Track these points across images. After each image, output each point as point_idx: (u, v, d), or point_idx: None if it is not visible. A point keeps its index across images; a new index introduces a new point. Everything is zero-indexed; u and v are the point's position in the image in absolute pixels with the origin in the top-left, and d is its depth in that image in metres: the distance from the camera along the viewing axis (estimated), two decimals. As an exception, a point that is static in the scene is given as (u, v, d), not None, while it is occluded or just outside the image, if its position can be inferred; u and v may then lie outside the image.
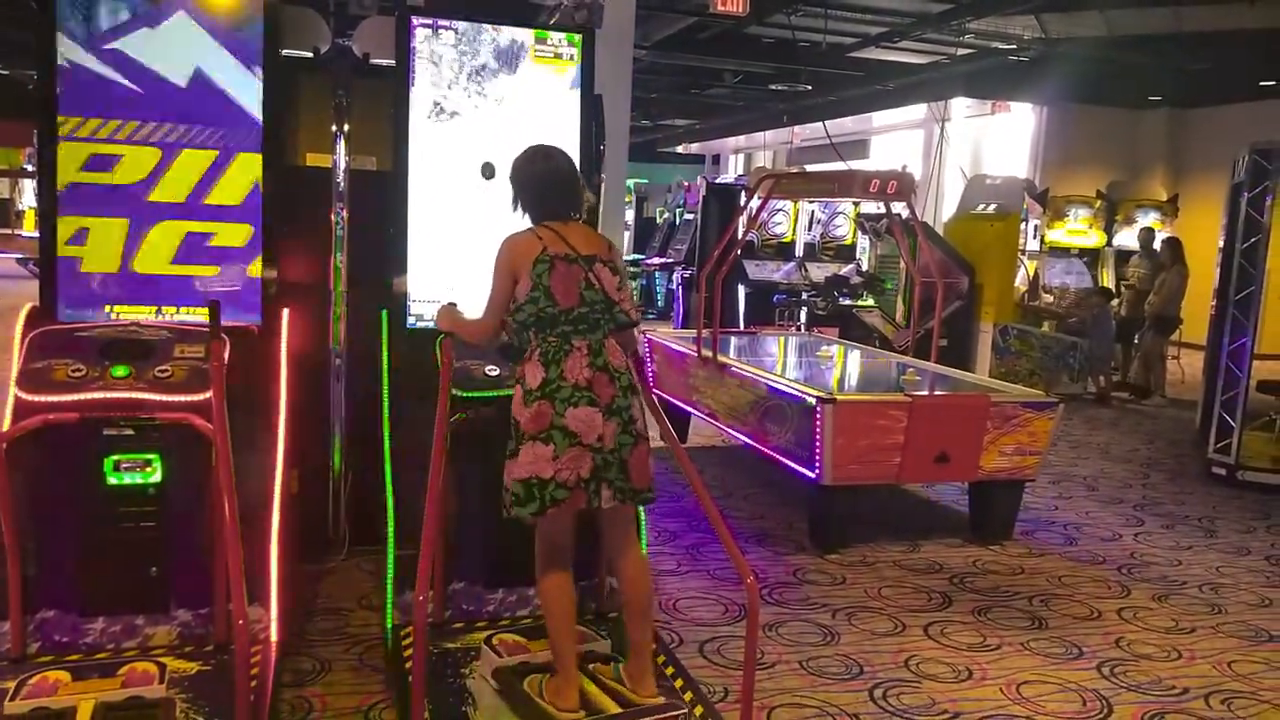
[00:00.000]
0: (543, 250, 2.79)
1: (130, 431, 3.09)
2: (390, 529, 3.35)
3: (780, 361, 6.86)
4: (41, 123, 3.42)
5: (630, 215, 18.21)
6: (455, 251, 3.81)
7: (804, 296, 10.78)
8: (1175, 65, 12.78)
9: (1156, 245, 10.53)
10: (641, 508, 3.37)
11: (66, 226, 3.41)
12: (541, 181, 2.91)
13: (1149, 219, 12.32)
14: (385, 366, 3.66)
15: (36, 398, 3.03)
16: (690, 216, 14.47)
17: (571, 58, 3.97)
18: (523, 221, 2.94)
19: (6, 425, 3.02)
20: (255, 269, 3.60)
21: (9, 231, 19.09)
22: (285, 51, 3.96)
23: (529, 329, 2.81)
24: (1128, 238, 12.50)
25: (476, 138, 3.86)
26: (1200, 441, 7.16)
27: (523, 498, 2.72)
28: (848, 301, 10.74)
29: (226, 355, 2.87)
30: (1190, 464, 7.21)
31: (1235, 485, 6.53)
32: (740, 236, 6.87)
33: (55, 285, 3.40)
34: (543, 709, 2.81)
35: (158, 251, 3.51)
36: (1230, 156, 7.28)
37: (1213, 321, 7.14)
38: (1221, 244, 7.16)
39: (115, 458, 3.08)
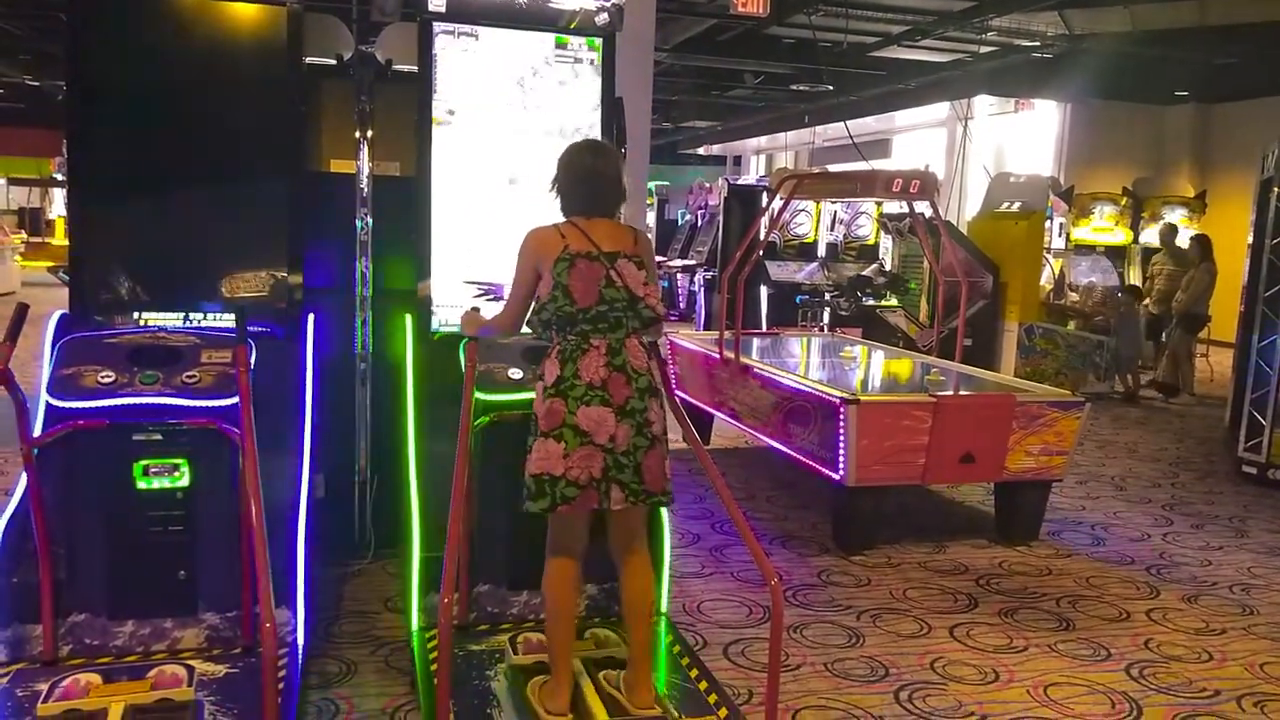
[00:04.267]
0: (564, 248, 2.78)
1: (159, 436, 3.13)
2: (415, 532, 3.37)
3: (803, 362, 6.84)
4: (71, 132, 3.47)
5: (651, 218, 18.22)
6: (479, 256, 3.82)
7: (827, 297, 10.76)
8: (1201, 59, 12.65)
9: (1181, 241, 10.42)
10: (664, 512, 3.38)
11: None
12: (580, 175, 2.89)
13: (1176, 215, 12.19)
14: (410, 370, 3.68)
15: (67, 404, 3.06)
16: (712, 217, 14.48)
17: (592, 62, 3.98)
18: (552, 207, 2.94)
19: (38, 431, 3.07)
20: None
21: (40, 240, 19.36)
22: (309, 58, 3.99)
23: (551, 327, 2.82)
24: (1154, 235, 12.37)
25: (499, 142, 3.88)
26: (1230, 440, 7.08)
27: (534, 492, 2.74)
28: (871, 302, 10.71)
29: (253, 360, 2.90)
30: (1220, 463, 7.12)
31: (1266, 484, 6.44)
32: (762, 237, 6.86)
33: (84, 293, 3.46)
34: (533, 709, 2.83)
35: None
36: (1259, 151, 7.19)
37: (1242, 319, 7.05)
38: (1251, 240, 7.07)
39: (144, 462, 3.12)
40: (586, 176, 2.89)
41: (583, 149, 2.95)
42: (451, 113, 3.79)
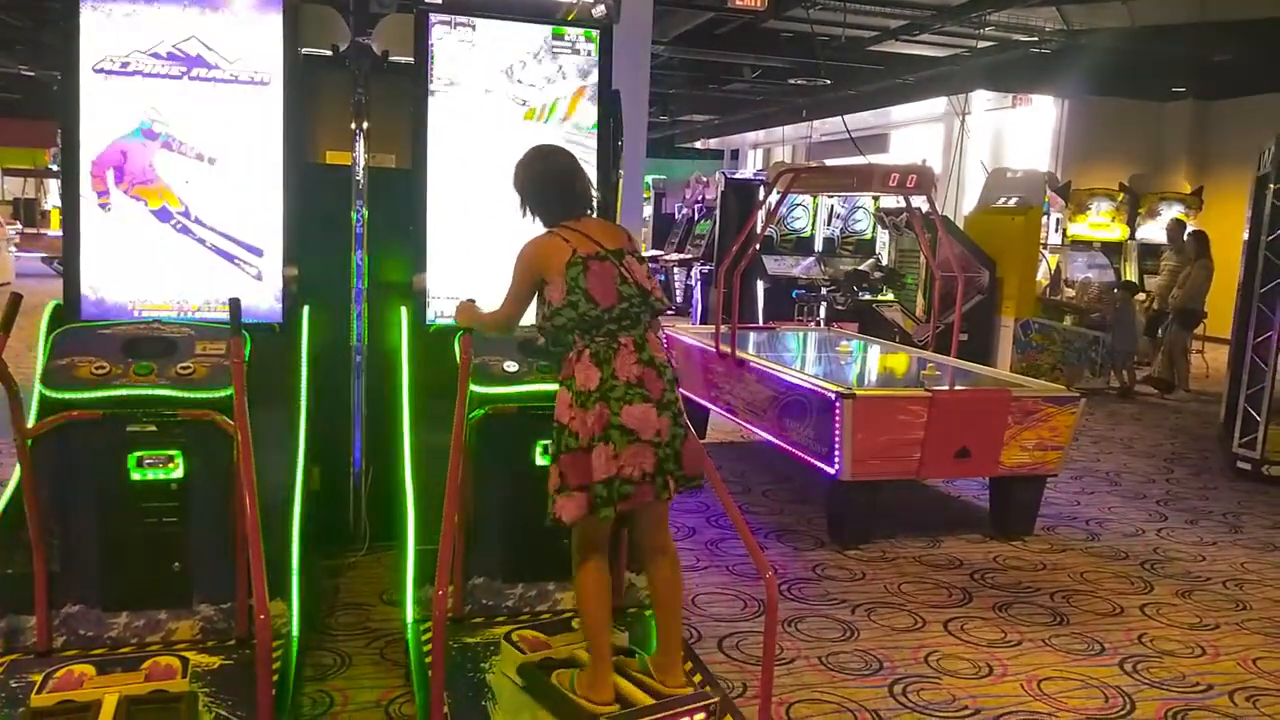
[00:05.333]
0: (573, 253, 2.76)
1: (153, 428, 3.12)
2: (410, 524, 3.36)
3: (799, 357, 6.84)
4: (65, 122, 3.45)
5: (649, 211, 18.19)
6: (475, 248, 3.82)
7: (823, 292, 10.75)
8: (1199, 56, 12.64)
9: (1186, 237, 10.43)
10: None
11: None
12: (545, 182, 2.89)
13: (1173, 212, 12.20)
14: (405, 363, 3.67)
15: (61, 395, 3.06)
16: (709, 211, 14.47)
17: (589, 53, 3.97)
18: (535, 226, 2.93)
19: (32, 422, 3.06)
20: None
21: (35, 231, 19.30)
22: (305, 49, 3.98)
23: (571, 333, 2.79)
24: (1151, 231, 12.38)
25: (492, 134, 3.87)
26: (1225, 436, 7.09)
27: (604, 499, 2.69)
28: (867, 296, 10.71)
29: (247, 352, 2.89)
30: (1215, 459, 7.14)
31: (1261, 480, 6.46)
32: (759, 231, 6.85)
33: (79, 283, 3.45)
34: (577, 703, 2.80)
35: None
36: (1255, 148, 7.18)
37: (1238, 315, 7.06)
38: (1246, 236, 7.07)
39: (138, 454, 3.11)
40: (551, 180, 2.89)
41: (533, 159, 2.94)
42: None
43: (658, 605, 2.97)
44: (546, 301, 2.81)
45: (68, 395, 3.06)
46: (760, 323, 10.06)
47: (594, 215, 2.96)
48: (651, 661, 2.97)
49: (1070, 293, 11.18)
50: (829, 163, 14.05)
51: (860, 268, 11.28)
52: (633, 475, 2.70)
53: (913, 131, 18.19)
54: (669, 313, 3.13)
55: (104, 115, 3.43)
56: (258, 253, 3.61)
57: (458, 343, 3.02)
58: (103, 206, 3.46)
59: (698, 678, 3.06)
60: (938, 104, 16.16)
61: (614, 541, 3.29)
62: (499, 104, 3.89)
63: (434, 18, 3.80)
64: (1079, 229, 12.19)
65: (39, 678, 2.79)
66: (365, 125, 4.10)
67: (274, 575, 2.92)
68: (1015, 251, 9.69)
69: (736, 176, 13.41)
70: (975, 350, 8.65)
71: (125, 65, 3.44)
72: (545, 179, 2.90)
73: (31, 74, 15.87)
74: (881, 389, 5.48)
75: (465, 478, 3.11)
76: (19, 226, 18.25)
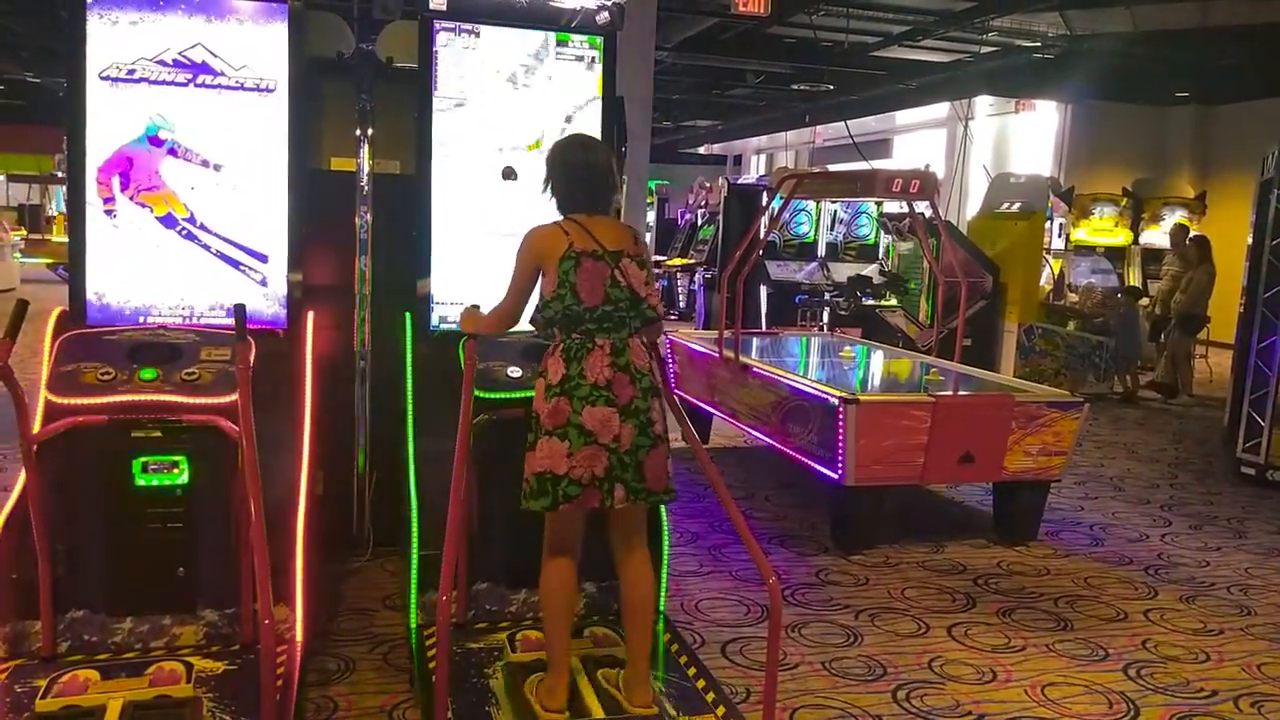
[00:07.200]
0: (569, 246, 2.78)
1: (158, 434, 3.13)
2: (414, 529, 3.37)
3: (802, 362, 6.84)
4: (71, 129, 3.47)
5: (652, 216, 18.22)
6: (479, 254, 3.83)
7: (826, 297, 10.76)
8: (1202, 61, 12.65)
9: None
10: (663, 510, 3.38)
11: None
12: (575, 172, 2.88)
13: (1176, 216, 12.19)
14: (409, 368, 3.68)
15: (66, 400, 3.07)
16: (712, 216, 14.50)
17: (593, 60, 3.98)
18: (550, 206, 2.93)
19: (38, 427, 3.07)
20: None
21: (40, 237, 19.36)
22: (310, 56, 3.99)
23: (555, 326, 2.81)
24: (1154, 236, 12.37)
25: (499, 140, 3.88)
26: (1229, 441, 7.08)
27: (535, 491, 2.74)
28: (870, 301, 10.71)
29: (252, 358, 2.90)
30: (1219, 464, 7.13)
31: (1265, 485, 6.44)
32: (762, 237, 6.86)
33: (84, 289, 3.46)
34: (529, 707, 2.84)
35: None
36: (1259, 153, 7.19)
37: (1241, 320, 7.05)
38: (1250, 241, 7.07)
39: (143, 459, 3.12)
40: (580, 172, 2.89)
41: (571, 145, 2.95)
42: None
43: (625, 615, 2.95)
44: (541, 293, 2.84)
45: (73, 401, 3.07)
46: (763, 328, 10.06)
47: (608, 215, 2.95)
48: (621, 676, 2.96)
49: (1073, 298, 11.18)
50: (832, 168, 14.06)
51: (863, 273, 11.28)
52: (581, 477, 2.71)
53: (916, 136, 18.22)
54: (670, 317, 3.13)
55: (110, 122, 3.45)
56: (263, 259, 3.62)
57: (462, 348, 3.03)
58: (109, 213, 3.47)
59: (700, 683, 3.07)
60: (941, 109, 16.21)
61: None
62: (502, 110, 3.89)
63: (438, 24, 3.81)
64: (1082, 234, 12.19)
65: (44, 683, 2.81)
66: (370, 131, 4.12)
67: (278, 580, 2.93)
68: (1018, 256, 9.69)
69: (739, 182, 13.44)
70: (978, 355, 8.65)
71: (131, 72, 3.45)
72: (577, 170, 2.88)
73: (37, 81, 15.95)
74: (885, 394, 5.49)
75: (469, 483, 3.12)
76: (24, 232, 18.29)
